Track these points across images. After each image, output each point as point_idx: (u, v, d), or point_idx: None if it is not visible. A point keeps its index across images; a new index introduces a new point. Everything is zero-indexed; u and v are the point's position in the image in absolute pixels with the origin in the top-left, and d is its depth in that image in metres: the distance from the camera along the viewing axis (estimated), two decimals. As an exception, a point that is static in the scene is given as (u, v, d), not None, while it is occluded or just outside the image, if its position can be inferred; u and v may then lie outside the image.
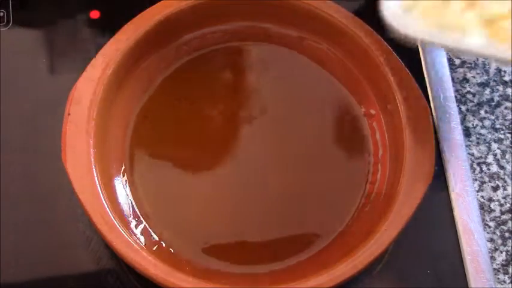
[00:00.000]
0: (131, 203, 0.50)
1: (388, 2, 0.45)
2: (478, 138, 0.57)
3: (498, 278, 0.52)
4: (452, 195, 0.52)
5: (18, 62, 0.57)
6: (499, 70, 0.60)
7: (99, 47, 0.49)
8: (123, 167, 0.51)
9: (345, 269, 0.44)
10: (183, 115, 0.53)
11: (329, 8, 0.52)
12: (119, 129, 0.51)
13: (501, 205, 0.54)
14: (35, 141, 0.53)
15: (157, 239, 0.49)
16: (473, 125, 0.57)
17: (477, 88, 0.59)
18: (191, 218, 0.50)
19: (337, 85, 0.54)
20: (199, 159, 0.52)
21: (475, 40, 0.44)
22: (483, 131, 0.57)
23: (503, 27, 0.43)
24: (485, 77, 0.60)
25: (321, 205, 0.51)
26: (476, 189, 0.55)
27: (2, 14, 0.58)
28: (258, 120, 0.54)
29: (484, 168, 0.56)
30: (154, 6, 0.51)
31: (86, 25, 0.58)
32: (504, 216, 0.54)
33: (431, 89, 0.56)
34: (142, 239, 0.48)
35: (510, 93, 0.59)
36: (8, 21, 0.58)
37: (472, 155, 0.56)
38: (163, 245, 0.49)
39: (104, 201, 0.45)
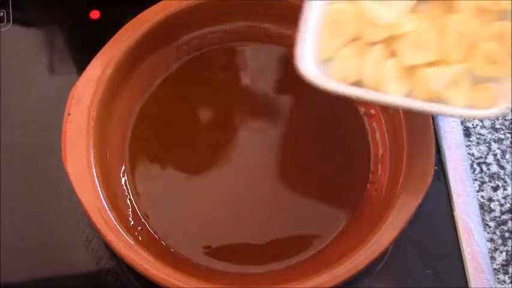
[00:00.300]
0: (131, 203, 0.50)
1: (303, 52, 0.43)
2: (478, 138, 0.57)
3: (498, 278, 0.52)
4: (453, 195, 0.52)
5: (18, 62, 0.57)
6: (499, 70, 0.60)
7: (99, 47, 0.49)
8: (123, 167, 0.51)
9: (345, 269, 0.44)
10: (183, 115, 0.53)
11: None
12: (119, 129, 0.51)
13: (501, 205, 0.54)
14: (35, 141, 0.53)
15: (157, 239, 0.49)
16: (473, 125, 0.57)
17: (477, 88, 0.59)
18: (191, 218, 0.50)
19: (337, 85, 0.54)
20: (199, 160, 0.52)
21: (394, 91, 0.43)
22: (483, 131, 0.57)
23: (422, 76, 0.42)
24: (485, 77, 0.60)
25: (321, 205, 0.51)
26: (476, 189, 0.55)
27: (2, 14, 0.58)
28: (258, 121, 0.54)
29: (484, 168, 0.56)
30: (154, 6, 0.51)
31: (86, 25, 0.58)
32: (504, 216, 0.54)
33: (431, 89, 0.56)
34: (142, 239, 0.48)
35: (510, 93, 0.59)
36: (8, 21, 0.58)
37: (472, 155, 0.56)
38: (164, 245, 0.49)
39: (103, 201, 0.45)
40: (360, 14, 0.43)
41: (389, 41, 0.43)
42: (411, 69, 0.42)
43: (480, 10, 0.41)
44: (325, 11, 0.44)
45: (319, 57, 0.44)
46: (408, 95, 0.43)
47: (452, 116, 0.42)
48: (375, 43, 0.43)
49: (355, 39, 0.43)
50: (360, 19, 0.43)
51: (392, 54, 0.43)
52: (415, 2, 0.43)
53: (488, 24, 0.41)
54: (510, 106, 0.41)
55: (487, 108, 0.41)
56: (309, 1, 0.43)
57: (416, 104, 0.42)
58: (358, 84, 0.43)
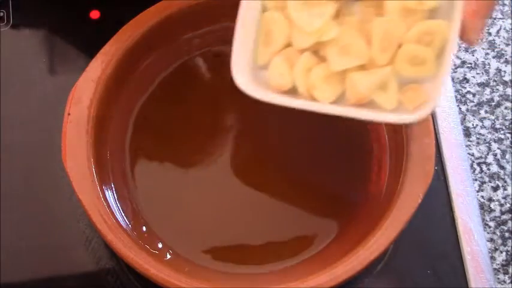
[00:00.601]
0: (131, 202, 0.50)
1: (236, 59, 0.43)
2: (478, 138, 0.57)
3: (498, 278, 0.52)
4: (452, 195, 0.52)
5: (18, 62, 0.57)
6: (499, 70, 0.60)
7: (99, 47, 0.49)
8: (123, 167, 0.51)
9: (345, 269, 0.44)
10: (183, 115, 0.53)
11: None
12: (119, 129, 0.51)
13: (501, 205, 0.54)
14: (35, 141, 0.53)
15: (157, 239, 0.49)
16: (473, 125, 0.57)
17: (477, 88, 0.59)
18: (191, 218, 0.50)
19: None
20: (200, 160, 0.52)
21: (324, 97, 0.43)
22: (483, 131, 0.57)
23: (350, 81, 0.43)
24: (485, 77, 0.60)
25: (321, 205, 0.51)
26: (476, 189, 0.55)
27: (2, 14, 0.58)
28: (259, 120, 0.54)
29: (484, 168, 0.56)
30: (154, 6, 0.51)
31: (86, 25, 0.58)
32: (504, 216, 0.54)
33: (431, 89, 0.56)
34: (142, 239, 0.48)
35: (510, 93, 0.59)
36: (8, 21, 0.58)
37: (472, 155, 0.56)
38: (163, 245, 0.49)
39: (103, 201, 0.45)
40: (290, 21, 0.43)
41: (318, 47, 0.43)
42: (341, 74, 0.43)
43: (406, 11, 0.42)
44: (258, 18, 0.44)
45: (255, 64, 0.44)
46: (339, 100, 0.43)
47: (381, 121, 0.42)
48: (304, 50, 0.43)
49: (287, 46, 0.44)
50: (291, 26, 0.43)
51: (323, 60, 0.43)
52: (340, 5, 0.43)
53: (415, 24, 0.42)
54: (436, 105, 0.41)
55: (418, 110, 0.42)
56: (240, 10, 0.44)
57: (346, 112, 0.43)
58: (293, 91, 0.44)
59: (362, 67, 0.43)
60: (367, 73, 0.42)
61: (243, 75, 0.44)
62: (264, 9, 0.44)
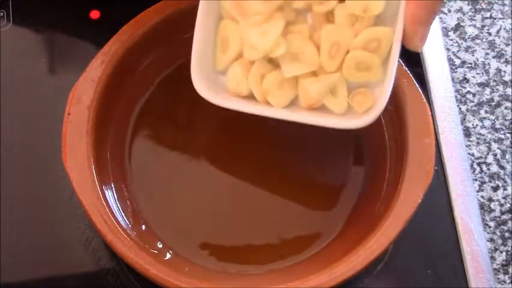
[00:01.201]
0: (131, 203, 0.50)
1: (198, 65, 0.45)
2: (478, 138, 0.57)
3: (498, 278, 0.52)
4: (452, 195, 0.52)
5: (18, 62, 0.57)
6: (499, 70, 0.60)
7: (99, 47, 0.49)
8: (123, 167, 0.51)
9: (345, 269, 0.44)
10: (183, 115, 0.53)
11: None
12: (119, 129, 0.51)
13: (501, 205, 0.54)
14: (35, 141, 0.53)
15: (157, 239, 0.49)
16: (473, 125, 0.57)
17: (477, 88, 0.59)
18: (191, 219, 0.50)
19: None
20: (200, 160, 0.52)
21: (277, 102, 0.44)
22: (483, 131, 0.57)
23: (302, 87, 0.44)
24: (485, 77, 0.60)
25: (321, 205, 0.51)
26: (476, 189, 0.55)
27: (2, 14, 0.58)
28: (259, 119, 0.53)
29: (484, 168, 0.56)
30: (154, 6, 0.51)
31: (86, 25, 0.58)
32: (504, 216, 0.54)
33: (431, 89, 0.56)
34: (142, 239, 0.48)
35: (510, 93, 0.59)
36: (8, 21, 0.58)
37: (472, 155, 0.56)
38: (163, 245, 0.49)
39: (103, 201, 0.45)
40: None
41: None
42: (294, 80, 0.44)
43: (353, 18, 0.43)
44: (216, 23, 0.46)
45: (215, 69, 0.46)
46: (293, 105, 0.45)
47: (333, 127, 0.44)
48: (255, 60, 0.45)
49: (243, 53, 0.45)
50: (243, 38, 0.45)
51: (277, 66, 0.45)
52: (290, 17, 0.44)
53: (362, 31, 0.43)
54: (381, 109, 0.42)
55: (366, 114, 0.43)
56: (198, 15, 0.45)
57: (300, 117, 0.44)
58: (252, 97, 0.45)
59: (313, 73, 0.44)
60: (318, 79, 0.44)
61: (202, 81, 0.45)
62: (222, 16, 0.46)
